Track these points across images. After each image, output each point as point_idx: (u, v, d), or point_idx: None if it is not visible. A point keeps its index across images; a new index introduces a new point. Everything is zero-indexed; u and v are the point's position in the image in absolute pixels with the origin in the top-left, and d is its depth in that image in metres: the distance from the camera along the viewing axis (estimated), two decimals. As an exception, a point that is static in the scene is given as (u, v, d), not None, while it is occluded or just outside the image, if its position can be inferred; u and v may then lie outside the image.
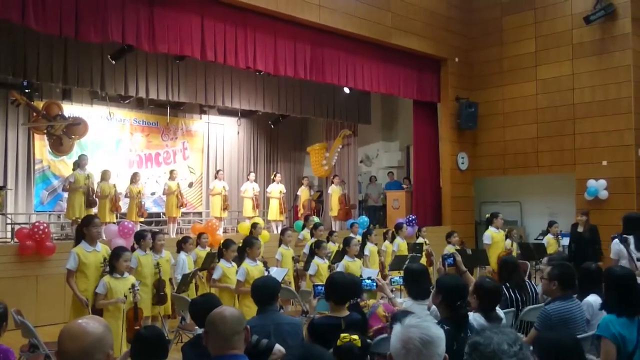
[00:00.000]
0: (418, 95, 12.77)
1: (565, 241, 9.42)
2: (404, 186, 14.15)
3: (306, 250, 8.76)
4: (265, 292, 3.72)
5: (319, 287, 4.21)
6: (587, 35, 11.77)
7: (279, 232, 9.38)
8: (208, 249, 7.86)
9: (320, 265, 7.12)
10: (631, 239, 5.64)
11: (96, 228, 5.61)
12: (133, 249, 6.88)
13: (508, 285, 4.78)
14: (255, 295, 3.77)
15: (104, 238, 8.66)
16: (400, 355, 1.84)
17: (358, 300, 3.96)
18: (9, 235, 10.16)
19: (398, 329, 1.88)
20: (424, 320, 1.92)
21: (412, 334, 1.84)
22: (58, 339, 1.89)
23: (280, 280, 6.21)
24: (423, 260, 8.88)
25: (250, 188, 12.32)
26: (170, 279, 6.78)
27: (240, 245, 6.36)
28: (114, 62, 9.70)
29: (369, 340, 3.26)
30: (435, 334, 1.86)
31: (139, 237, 6.72)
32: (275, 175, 13.09)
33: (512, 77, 13.03)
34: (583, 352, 2.91)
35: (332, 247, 8.34)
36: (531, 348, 2.68)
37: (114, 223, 9.91)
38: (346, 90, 12.50)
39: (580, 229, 8.60)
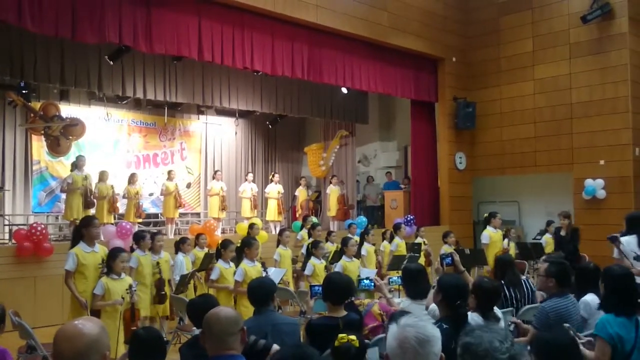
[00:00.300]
0: (415, 95, 12.78)
1: None
2: (402, 186, 14.16)
3: (304, 250, 8.75)
4: (261, 292, 3.72)
5: (316, 288, 4.21)
6: (584, 35, 11.78)
7: (277, 232, 9.37)
8: (206, 249, 7.85)
9: (316, 265, 7.12)
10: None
11: (96, 229, 5.65)
12: (132, 250, 6.87)
13: (503, 282, 4.80)
14: (251, 295, 3.77)
15: (102, 239, 8.65)
16: (396, 354, 1.84)
17: (352, 299, 3.96)
18: (6, 236, 10.14)
19: (394, 328, 1.89)
20: (420, 319, 1.92)
21: (408, 333, 1.84)
22: (54, 341, 1.89)
23: (278, 280, 6.23)
24: (421, 260, 8.89)
25: (249, 188, 12.31)
26: (169, 280, 6.78)
27: (239, 245, 6.36)
28: (111, 62, 9.69)
29: (366, 341, 3.26)
30: (431, 333, 1.87)
31: (138, 237, 6.72)
32: (273, 176, 13.08)
33: (509, 77, 13.04)
34: (579, 351, 2.92)
35: (331, 247, 8.35)
36: (528, 348, 2.69)
37: (111, 224, 9.90)
38: (344, 90, 12.50)
39: (563, 233, 8.54)
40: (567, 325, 3.63)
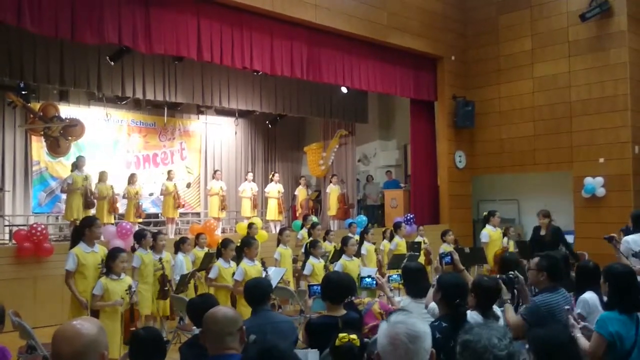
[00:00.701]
0: (415, 94, 12.78)
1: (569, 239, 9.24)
2: (402, 185, 14.16)
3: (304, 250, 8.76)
4: (258, 292, 3.74)
5: (315, 287, 4.22)
6: (583, 33, 11.78)
7: (278, 231, 9.38)
8: (206, 249, 7.86)
9: (315, 265, 7.12)
10: (632, 236, 5.64)
11: (98, 229, 5.69)
12: (133, 249, 6.88)
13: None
14: (248, 295, 3.78)
15: (102, 239, 8.66)
16: (387, 351, 1.85)
17: (352, 298, 3.97)
18: (6, 237, 10.15)
19: (384, 326, 1.90)
20: (410, 316, 1.93)
21: (398, 329, 1.85)
22: (52, 341, 1.89)
23: (278, 280, 6.24)
24: (421, 259, 8.90)
25: (249, 188, 12.32)
26: (169, 280, 6.78)
27: (238, 245, 6.37)
28: (112, 63, 9.69)
29: (366, 340, 3.27)
30: (421, 329, 1.88)
31: (139, 236, 6.75)
32: (273, 175, 13.10)
33: (508, 75, 13.03)
34: (577, 348, 2.93)
35: (328, 246, 8.35)
36: (526, 346, 2.70)
37: (111, 224, 9.91)
38: (343, 89, 12.49)
39: (543, 232, 8.06)
40: (567, 307, 3.65)
